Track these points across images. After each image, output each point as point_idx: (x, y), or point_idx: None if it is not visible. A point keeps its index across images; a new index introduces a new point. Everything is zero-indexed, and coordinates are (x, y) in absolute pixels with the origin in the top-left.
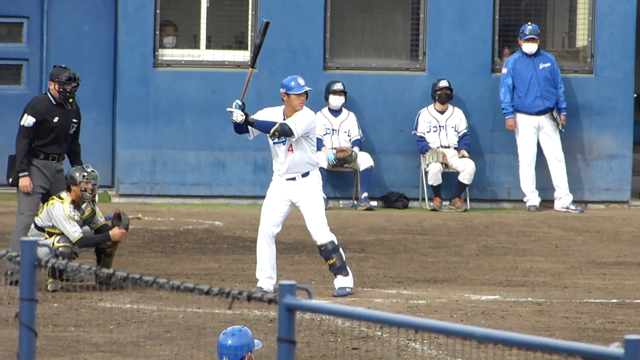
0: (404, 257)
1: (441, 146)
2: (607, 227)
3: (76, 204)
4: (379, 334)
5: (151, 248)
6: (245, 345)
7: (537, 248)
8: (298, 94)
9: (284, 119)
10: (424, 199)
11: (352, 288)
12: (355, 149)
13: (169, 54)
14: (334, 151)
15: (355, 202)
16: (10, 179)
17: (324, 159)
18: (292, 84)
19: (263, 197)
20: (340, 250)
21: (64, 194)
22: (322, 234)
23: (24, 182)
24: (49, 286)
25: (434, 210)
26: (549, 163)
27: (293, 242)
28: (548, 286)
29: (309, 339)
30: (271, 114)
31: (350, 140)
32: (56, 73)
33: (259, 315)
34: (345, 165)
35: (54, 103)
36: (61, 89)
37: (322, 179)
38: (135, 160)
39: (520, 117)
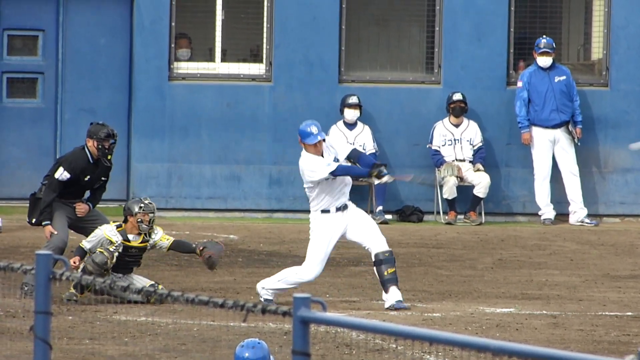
0: (419, 270)
1: (456, 159)
2: (622, 241)
3: (125, 234)
4: (394, 346)
5: (166, 261)
6: (261, 358)
7: (552, 261)
8: (313, 144)
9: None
10: (439, 213)
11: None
12: None
13: (184, 67)
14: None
15: (370, 215)
16: (34, 220)
17: None
18: (308, 130)
19: (278, 211)
20: None
21: (119, 223)
22: (385, 241)
23: (47, 231)
24: (64, 296)
25: (448, 223)
26: (563, 177)
27: None
28: (563, 299)
29: (324, 352)
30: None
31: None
32: (94, 130)
33: (273, 328)
34: (361, 179)
35: (91, 161)
36: (100, 146)
37: None
38: (151, 173)
39: (536, 131)
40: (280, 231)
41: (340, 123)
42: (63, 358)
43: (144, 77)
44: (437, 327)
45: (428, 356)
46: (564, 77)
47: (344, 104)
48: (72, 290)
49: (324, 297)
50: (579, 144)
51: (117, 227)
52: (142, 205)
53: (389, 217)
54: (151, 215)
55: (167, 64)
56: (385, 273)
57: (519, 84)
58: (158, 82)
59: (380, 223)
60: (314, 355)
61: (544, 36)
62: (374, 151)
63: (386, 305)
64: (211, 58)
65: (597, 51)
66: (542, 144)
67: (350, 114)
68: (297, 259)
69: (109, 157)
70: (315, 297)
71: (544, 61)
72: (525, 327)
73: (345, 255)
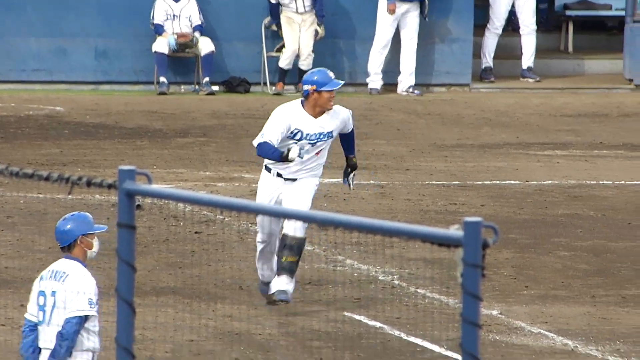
0: (247, 141)
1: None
2: (449, 110)
3: None
4: (221, 217)
5: None
6: (72, 230)
7: (378, 131)
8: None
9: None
10: (266, 84)
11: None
12: (197, 34)
13: None
14: (175, 37)
15: (197, 87)
16: None
17: (165, 44)
18: (328, 74)
19: (104, 83)
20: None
21: None
22: (301, 227)
23: None
24: None
25: (277, 94)
26: (402, 43)
27: (135, 127)
28: (390, 169)
29: (151, 224)
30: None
31: (191, 26)
32: None
33: (100, 200)
34: (187, 50)
35: None
36: None
37: (164, 65)
38: None
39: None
40: (107, 103)
41: None
42: None
43: None
44: None
45: (255, 227)
46: None
47: None
48: None
49: (150, 169)
50: (426, 19)
51: None
52: None
53: (215, 88)
54: None
55: None
56: (283, 259)
57: None
58: None
59: (207, 94)
60: (142, 227)
61: None
62: (200, 23)
63: (270, 291)
64: None
65: None
66: (392, 15)
67: None
68: (124, 131)
69: None
70: (141, 169)
71: None
72: (352, 197)
73: (172, 127)
